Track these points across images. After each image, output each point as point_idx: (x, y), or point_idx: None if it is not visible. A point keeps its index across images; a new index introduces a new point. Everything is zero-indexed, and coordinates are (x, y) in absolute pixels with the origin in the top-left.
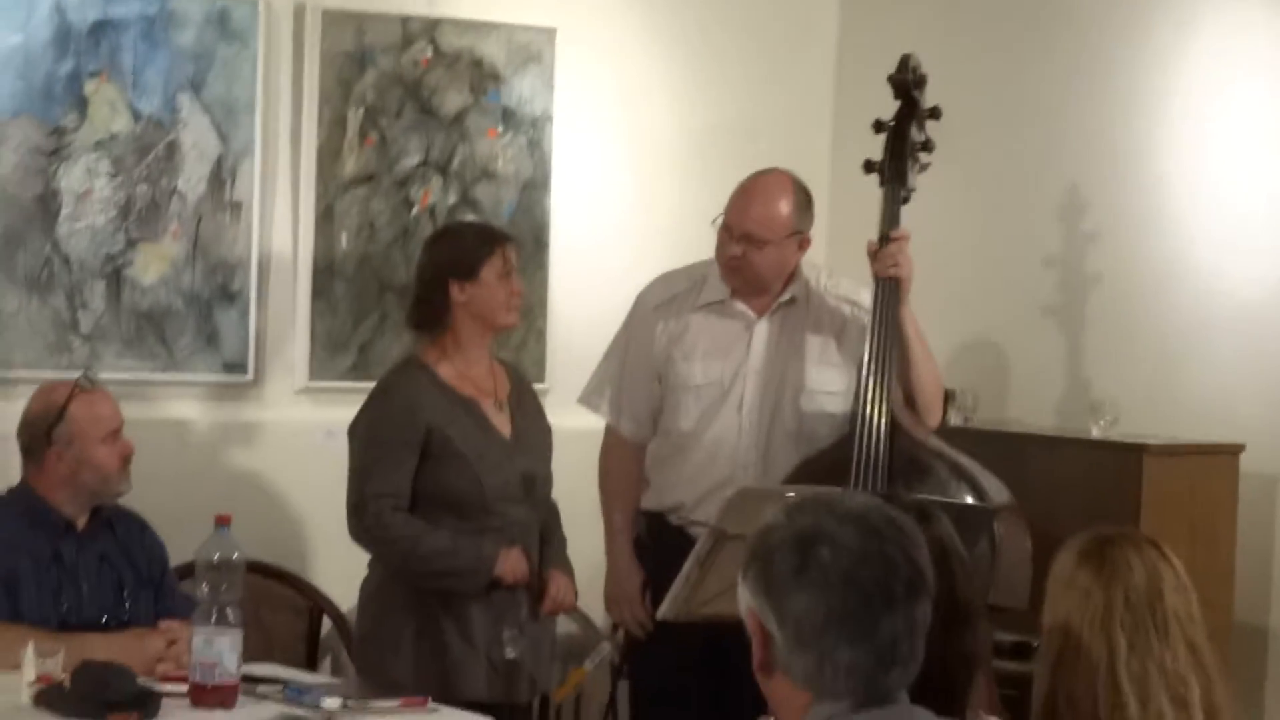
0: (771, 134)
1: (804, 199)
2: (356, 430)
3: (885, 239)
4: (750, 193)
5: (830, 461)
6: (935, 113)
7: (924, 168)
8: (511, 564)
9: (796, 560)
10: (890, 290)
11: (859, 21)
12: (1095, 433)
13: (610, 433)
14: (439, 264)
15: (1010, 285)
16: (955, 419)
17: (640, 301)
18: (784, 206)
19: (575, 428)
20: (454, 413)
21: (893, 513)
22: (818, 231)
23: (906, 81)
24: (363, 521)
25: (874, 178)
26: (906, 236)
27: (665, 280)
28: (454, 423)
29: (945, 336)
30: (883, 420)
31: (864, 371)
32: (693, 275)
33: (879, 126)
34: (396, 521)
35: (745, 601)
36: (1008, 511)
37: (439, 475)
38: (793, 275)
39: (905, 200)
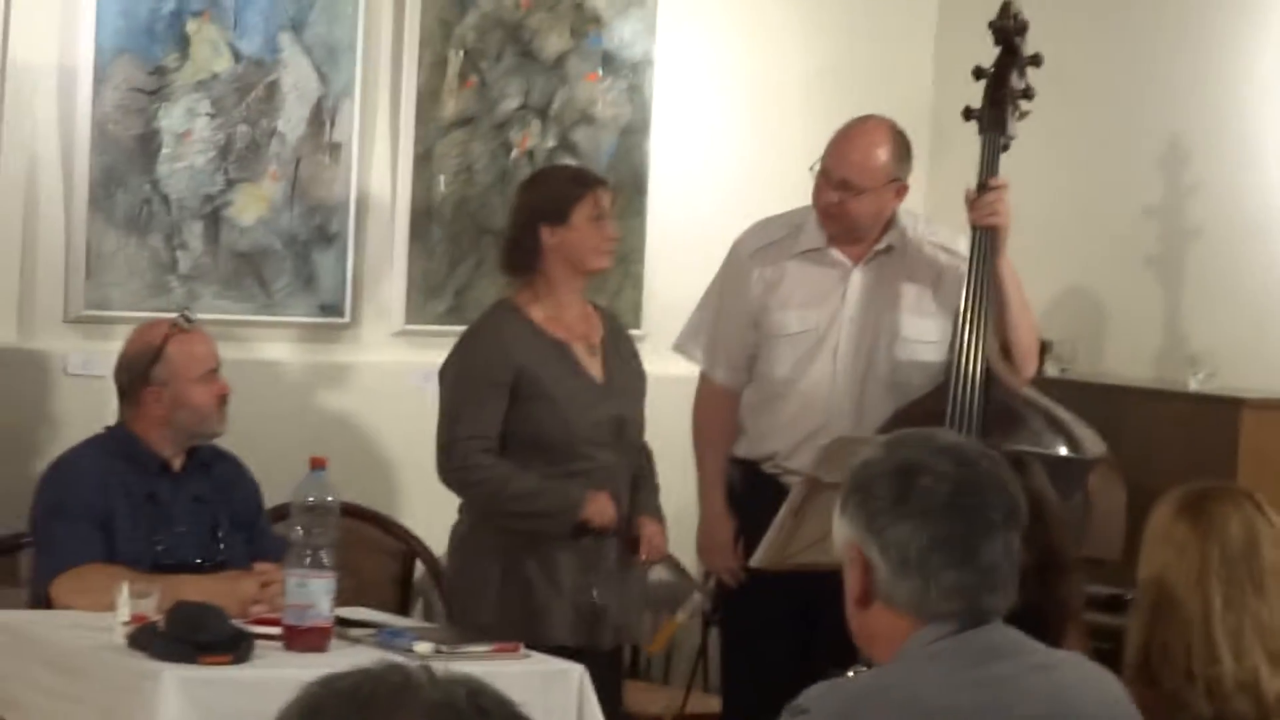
0: (872, 80)
1: (902, 146)
2: (446, 372)
3: (984, 187)
4: (848, 139)
5: (924, 411)
6: (1036, 60)
7: (1024, 115)
8: (598, 507)
9: (898, 489)
10: (988, 239)
11: None
12: (1193, 385)
13: (704, 380)
14: (530, 207)
15: (1109, 235)
16: (1052, 369)
17: (736, 248)
18: (882, 153)
19: (671, 374)
20: (544, 355)
21: (986, 448)
22: (917, 180)
23: (1008, 28)
24: (451, 462)
25: (974, 126)
26: (1005, 185)
27: (762, 226)
28: (544, 365)
29: (1043, 286)
30: (978, 370)
31: (959, 321)
32: (790, 222)
33: (979, 74)
34: (484, 462)
35: (844, 535)
36: (1102, 464)
37: (528, 417)
38: (890, 223)
39: (1005, 148)
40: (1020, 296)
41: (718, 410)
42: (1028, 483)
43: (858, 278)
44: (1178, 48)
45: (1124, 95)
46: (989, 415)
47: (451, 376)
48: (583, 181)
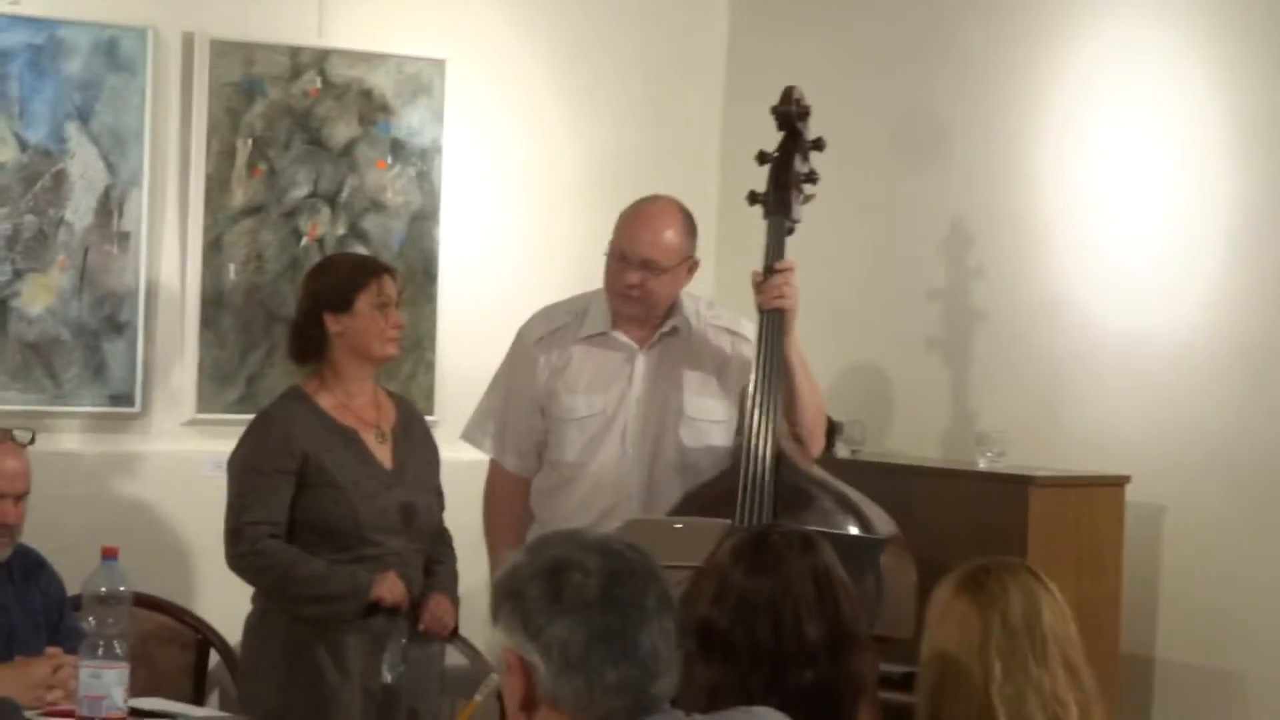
0: (658, 165)
1: (691, 224)
2: (234, 459)
3: (770, 270)
4: (643, 218)
5: (715, 493)
6: (819, 144)
7: (809, 199)
8: (388, 585)
9: (550, 589)
10: (775, 322)
11: (746, 53)
12: (982, 464)
13: (494, 468)
14: (314, 295)
15: (896, 317)
16: (843, 451)
17: (521, 336)
18: (678, 232)
19: (465, 459)
20: (331, 442)
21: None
22: (705, 263)
23: (790, 113)
24: (238, 548)
25: (760, 209)
26: (791, 268)
27: (546, 314)
28: (331, 452)
29: (831, 367)
30: (768, 451)
31: (749, 403)
32: (574, 308)
33: (763, 158)
34: (271, 548)
35: (502, 642)
36: (892, 543)
37: (315, 504)
38: (674, 305)
39: (790, 231)
40: (808, 376)
41: (508, 496)
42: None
43: (644, 360)
44: (961, 133)
45: (907, 179)
46: (780, 496)
47: (239, 463)
48: (366, 269)
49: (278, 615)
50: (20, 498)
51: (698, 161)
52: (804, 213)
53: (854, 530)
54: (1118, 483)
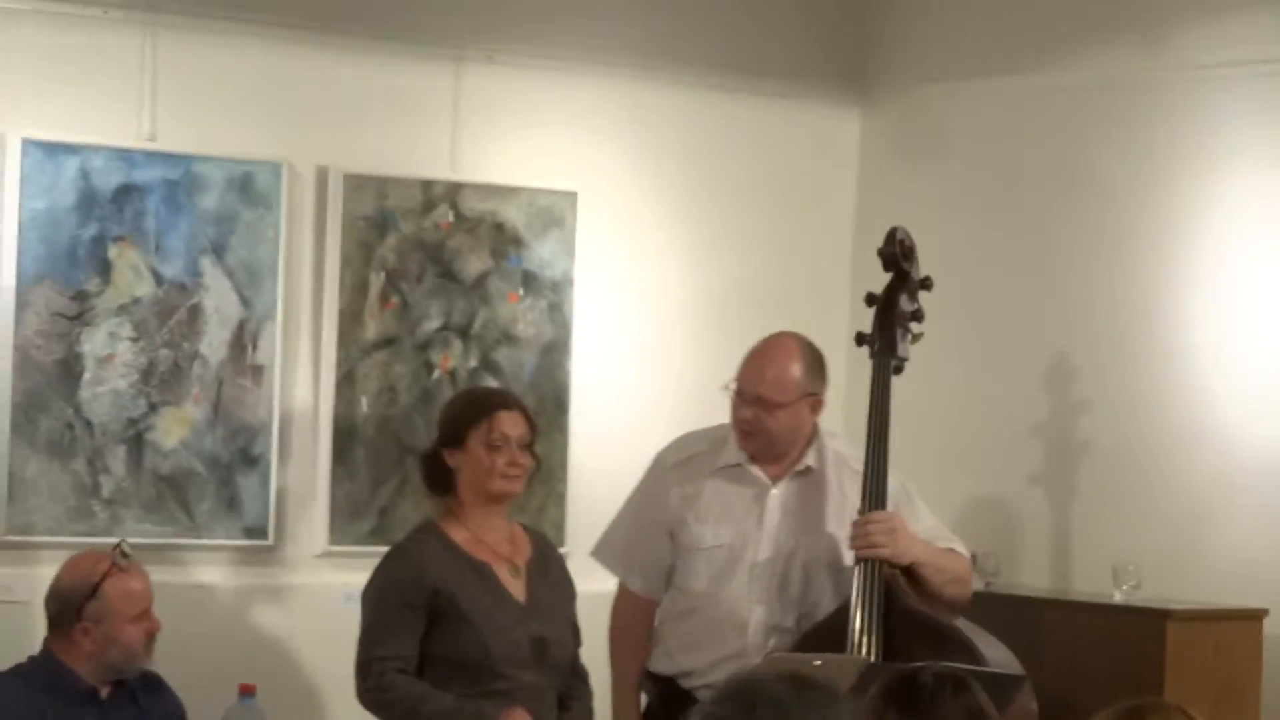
0: (787, 298)
1: (814, 360)
2: (367, 593)
3: (865, 514)
4: (760, 356)
5: (827, 632)
6: (926, 283)
7: (917, 338)
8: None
9: (745, 704)
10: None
11: (876, 190)
12: (1118, 597)
13: (621, 589)
14: (437, 429)
15: (1026, 450)
16: (976, 582)
17: (658, 460)
18: (795, 368)
19: (598, 590)
20: (463, 576)
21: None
22: (834, 402)
23: (893, 254)
24: (366, 682)
25: (867, 350)
26: (887, 520)
27: (685, 441)
28: (463, 585)
29: (957, 497)
30: (875, 587)
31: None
32: (713, 437)
33: (870, 299)
34: (399, 683)
35: None
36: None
37: (446, 637)
38: (809, 441)
39: (898, 370)
40: (940, 570)
41: (633, 618)
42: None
43: (775, 496)
44: (1063, 269)
45: (1012, 315)
46: (893, 629)
47: (370, 597)
48: (479, 406)
49: None
50: (149, 609)
51: (828, 299)
52: (912, 351)
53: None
54: (1256, 616)
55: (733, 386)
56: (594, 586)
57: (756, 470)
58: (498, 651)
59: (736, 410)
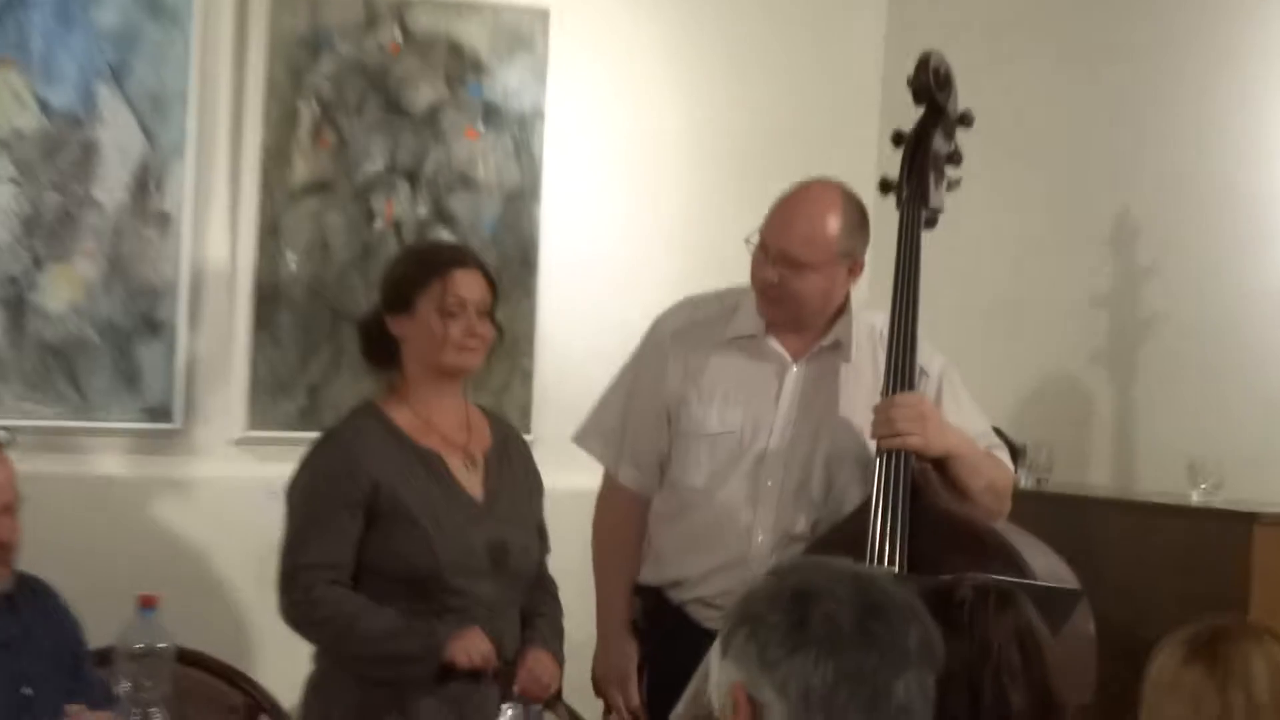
0: (802, 138)
1: (856, 216)
2: (293, 488)
3: (888, 397)
4: (792, 206)
5: (847, 536)
6: (966, 119)
7: (953, 185)
8: (466, 645)
9: (796, 614)
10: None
11: (910, 8)
12: (1195, 498)
13: (607, 481)
14: (380, 293)
15: (1085, 324)
16: (1026, 480)
17: (657, 326)
18: (832, 223)
19: (568, 487)
20: (409, 467)
21: (886, 574)
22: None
23: (927, 83)
24: (291, 595)
25: (893, 199)
26: (914, 403)
27: (690, 305)
28: (407, 480)
29: (1002, 383)
30: (901, 485)
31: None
32: (724, 302)
33: (898, 138)
34: (331, 597)
35: (727, 677)
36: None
37: (387, 543)
38: (840, 312)
39: (930, 223)
40: (979, 473)
41: (621, 517)
42: (1018, 618)
43: (796, 376)
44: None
45: (1069, 162)
46: (921, 536)
47: (297, 493)
48: (431, 264)
49: (342, 677)
50: (8, 509)
51: (851, 139)
52: (948, 200)
53: (1040, 579)
54: None
55: (755, 240)
56: (567, 481)
57: (775, 343)
58: (449, 558)
59: (758, 269)
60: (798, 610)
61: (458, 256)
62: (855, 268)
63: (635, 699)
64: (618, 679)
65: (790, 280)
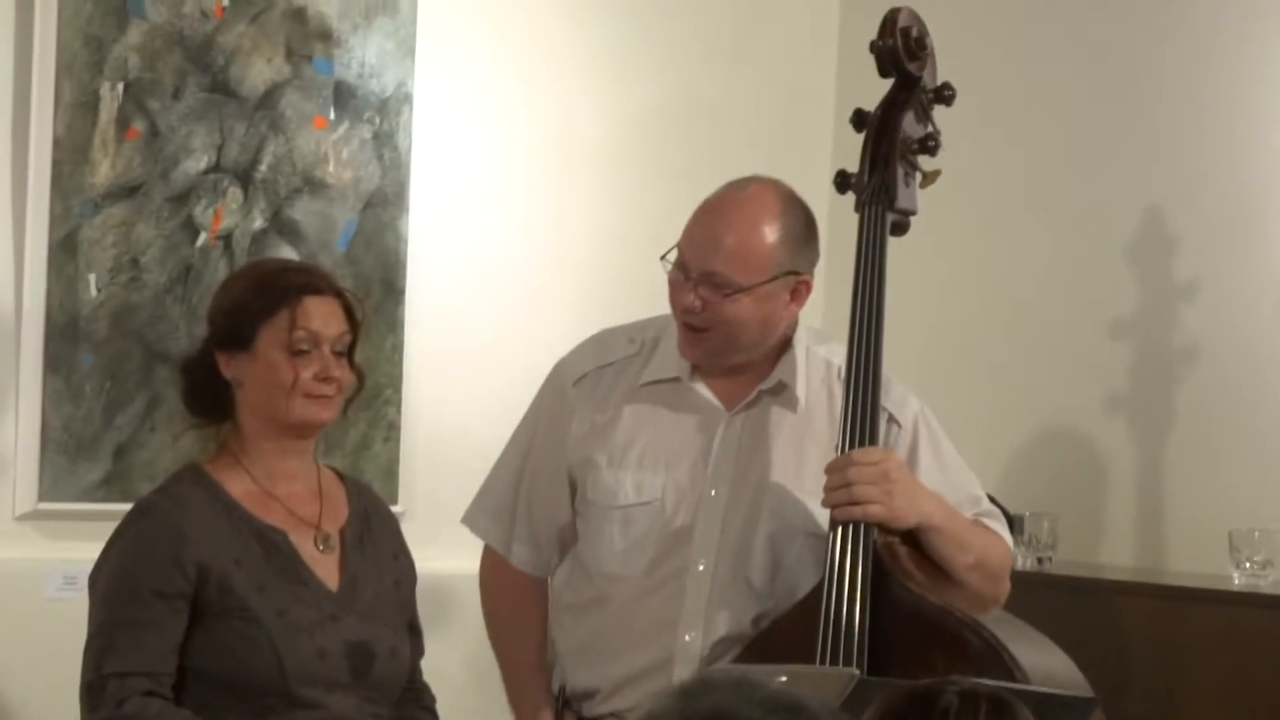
0: (738, 123)
1: (800, 223)
2: (97, 577)
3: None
4: (717, 213)
5: (796, 626)
6: (944, 94)
7: (929, 179)
8: None
9: None
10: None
11: None
12: (1238, 580)
13: (490, 559)
14: (209, 325)
15: (1102, 361)
16: (1024, 560)
17: (558, 372)
18: (768, 233)
19: (442, 571)
20: (245, 549)
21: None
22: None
23: (892, 50)
24: (97, 714)
25: (852, 198)
26: (877, 461)
27: (598, 344)
28: (243, 564)
29: (994, 436)
30: (860, 568)
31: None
32: (639, 337)
33: (859, 120)
34: (147, 713)
35: None
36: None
37: (219, 644)
38: (784, 346)
39: (900, 229)
40: (964, 548)
41: (519, 598)
42: None
43: (730, 429)
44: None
45: (1081, 152)
46: (886, 629)
47: (103, 583)
48: (276, 289)
49: None
50: None
51: (801, 122)
52: (923, 200)
53: (1041, 686)
54: None
55: (672, 258)
56: (444, 564)
57: (703, 388)
58: (297, 665)
59: (677, 294)
60: None
61: (309, 280)
62: (800, 289)
63: None
64: None
65: (717, 307)
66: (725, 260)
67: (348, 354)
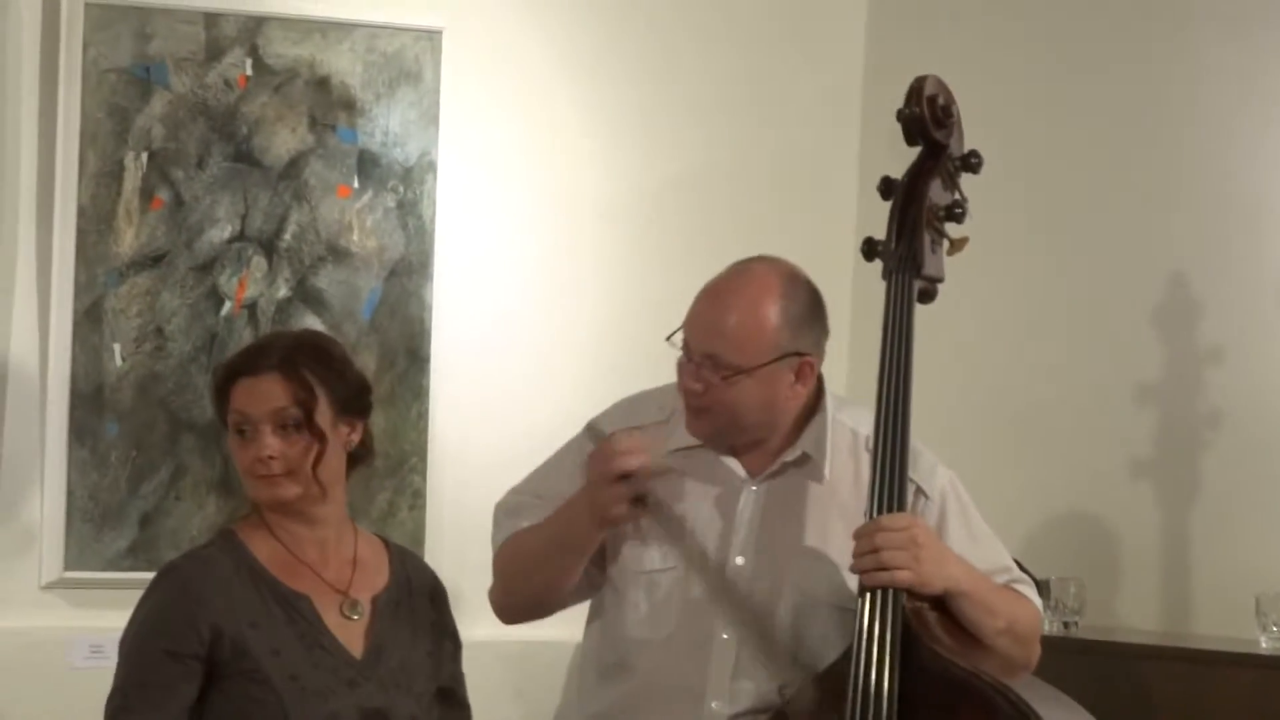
0: (758, 192)
1: (803, 302)
2: (123, 640)
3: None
4: (717, 296)
5: (823, 694)
6: (970, 162)
7: (957, 246)
8: None
9: None
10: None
11: (894, 22)
12: (1265, 643)
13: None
14: None
15: (1126, 426)
16: (1051, 624)
17: (590, 429)
18: (770, 314)
19: (473, 639)
20: (264, 612)
21: None
22: (840, 336)
23: (919, 116)
24: None
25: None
26: (905, 527)
27: (630, 406)
28: (261, 628)
29: (1021, 501)
30: (890, 630)
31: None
32: (668, 405)
33: (886, 188)
34: None
35: None
36: None
37: (231, 705)
38: (809, 417)
39: (928, 297)
40: (992, 612)
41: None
42: None
43: (754, 498)
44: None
45: (1104, 217)
46: (914, 698)
47: (126, 645)
48: (220, 376)
49: None
50: None
51: (823, 191)
52: (950, 267)
53: None
54: None
55: (678, 340)
56: (468, 632)
57: (728, 458)
58: None
59: (682, 375)
60: None
61: (246, 361)
62: (805, 370)
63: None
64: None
65: (718, 390)
66: (726, 343)
67: (303, 422)
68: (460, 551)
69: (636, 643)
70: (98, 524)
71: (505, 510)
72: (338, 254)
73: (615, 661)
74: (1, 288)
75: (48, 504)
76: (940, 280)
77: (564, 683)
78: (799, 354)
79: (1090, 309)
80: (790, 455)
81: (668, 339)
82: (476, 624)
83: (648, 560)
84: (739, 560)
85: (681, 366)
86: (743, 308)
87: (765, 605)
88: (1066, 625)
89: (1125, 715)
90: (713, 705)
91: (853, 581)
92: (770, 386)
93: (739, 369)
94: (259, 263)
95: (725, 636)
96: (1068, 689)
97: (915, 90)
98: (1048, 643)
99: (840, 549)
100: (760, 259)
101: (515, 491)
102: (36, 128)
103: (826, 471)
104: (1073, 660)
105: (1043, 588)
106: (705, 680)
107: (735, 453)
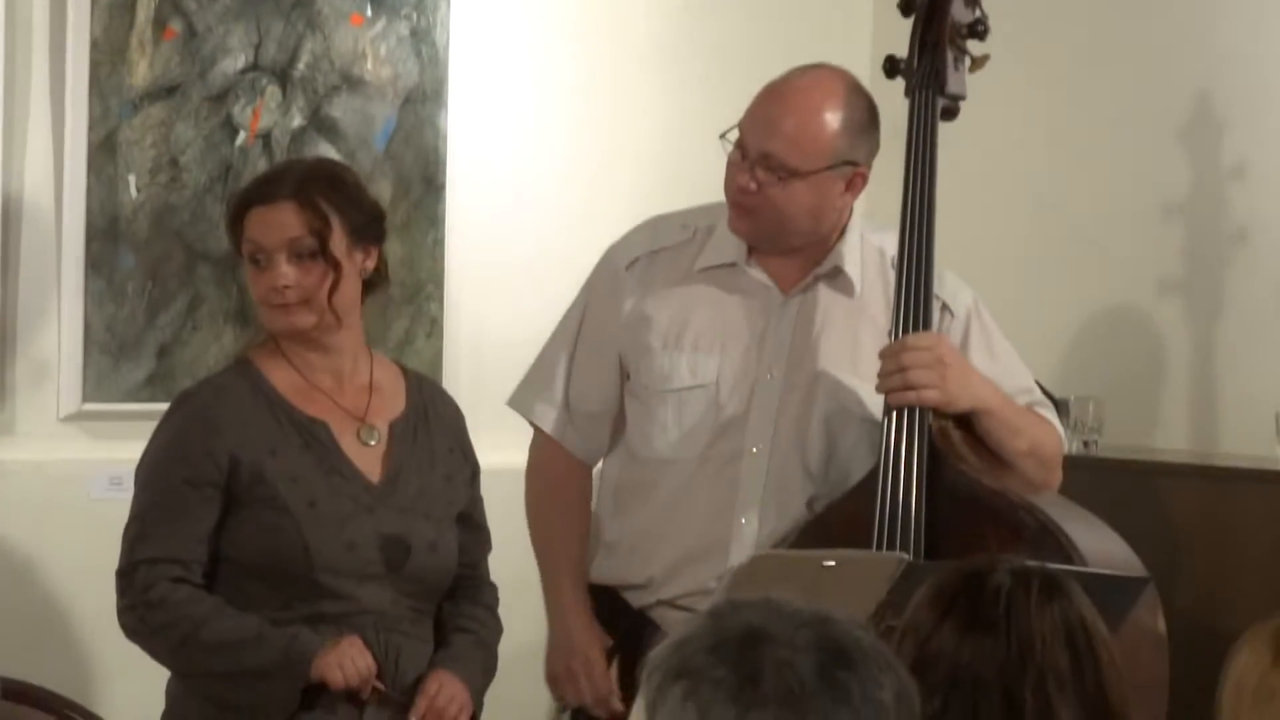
0: (791, 11)
1: (863, 114)
2: (139, 469)
3: (897, 340)
4: (780, 97)
5: (849, 511)
6: None
7: (978, 64)
8: (338, 659)
9: (745, 670)
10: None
11: None
12: None
13: (543, 448)
14: None
15: (1152, 243)
16: (1071, 444)
17: (610, 256)
18: (830, 120)
19: (491, 465)
20: (282, 438)
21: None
22: None
23: None
24: (127, 597)
25: (901, 83)
26: (930, 346)
27: (652, 229)
28: (278, 454)
29: (1042, 319)
30: (916, 450)
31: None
32: (694, 224)
33: (906, 5)
34: (174, 599)
35: None
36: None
37: (249, 532)
38: (841, 233)
39: (950, 114)
40: (1015, 432)
41: (564, 481)
42: (1067, 610)
43: (787, 312)
44: None
45: (1128, 35)
46: (942, 515)
47: (142, 473)
48: (234, 205)
49: (195, 703)
50: None
51: (841, 6)
52: (972, 85)
53: (1095, 566)
54: None
55: (733, 137)
56: (492, 456)
57: (759, 272)
58: (324, 554)
59: (733, 174)
60: (748, 661)
61: (259, 190)
62: (856, 180)
63: (605, 682)
64: (583, 665)
65: (771, 190)
66: (784, 143)
67: (317, 251)
68: (477, 378)
69: (665, 463)
70: (115, 356)
71: (529, 389)
72: (351, 83)
73: (640, 481)
74: (15, 121)
75: (65, 337)
76: (963, 98)
77: None
78: (853, 164)
79: (1115, 128)
80: (822, 268)
81: (722, 136)
82: (495, 449)
83: (678, 378)
84: (771, 375)
85: (734, 164)
86: (805, 110)
87: (797, 419)
88: (1086, 444)
89: (1144, 532)
90: (743, 520)
91: (871, 390)
92: (821, 193)
93: (794, 171)
94: (273, 92)
95: (755, 451)
96: (1087, 507)
97: None
98: (1068, 461)
99: (870, 363)
100: (824, 65)
101: (533, 370)
102: None
103: (856, 284)
104: (1095, 477)
105: (1061, 407)
106: (736, 496)
107: (771, 261)
